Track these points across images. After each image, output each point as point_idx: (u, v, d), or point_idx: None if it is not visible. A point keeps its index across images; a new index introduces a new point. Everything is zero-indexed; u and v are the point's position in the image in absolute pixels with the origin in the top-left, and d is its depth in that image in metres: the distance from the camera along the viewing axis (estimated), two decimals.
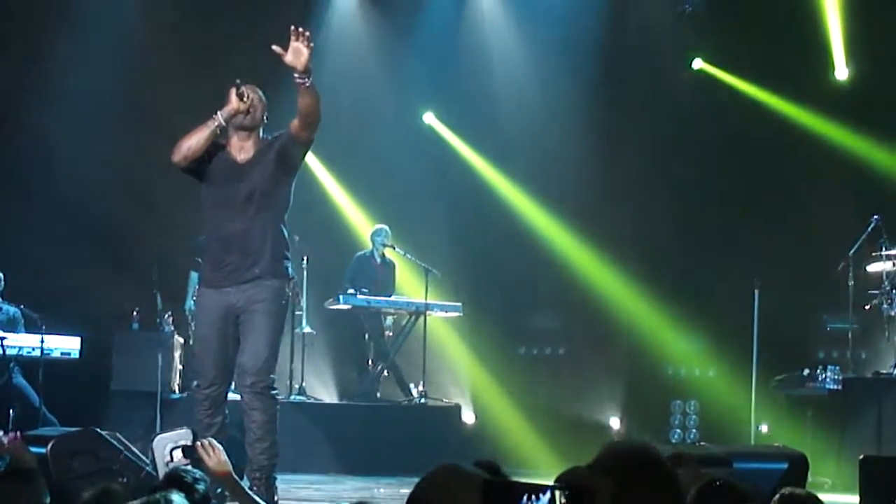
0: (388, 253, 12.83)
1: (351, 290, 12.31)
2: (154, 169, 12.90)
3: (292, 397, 11.52)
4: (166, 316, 11.83)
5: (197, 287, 7.48)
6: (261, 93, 6.99)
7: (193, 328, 8.98)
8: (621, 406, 13.52)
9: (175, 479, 4.26)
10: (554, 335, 14.40)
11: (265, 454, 6.87)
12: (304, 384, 12.16)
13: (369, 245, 12.92)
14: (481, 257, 13.79)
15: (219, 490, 4.95)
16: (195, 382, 7.30)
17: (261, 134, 6.99)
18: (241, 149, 6.95)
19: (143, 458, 6.78)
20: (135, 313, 11.80)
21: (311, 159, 12.66)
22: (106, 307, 12.14)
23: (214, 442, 4.82)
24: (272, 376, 6.98)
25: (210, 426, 6.89)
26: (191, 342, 11.15)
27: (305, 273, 12.01)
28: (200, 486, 4.26)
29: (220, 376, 6.99)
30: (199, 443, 4.88)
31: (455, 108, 14.22)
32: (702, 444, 11.52)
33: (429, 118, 14.49)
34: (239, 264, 6.91)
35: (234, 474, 4.70)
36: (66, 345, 11.10)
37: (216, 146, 6.97)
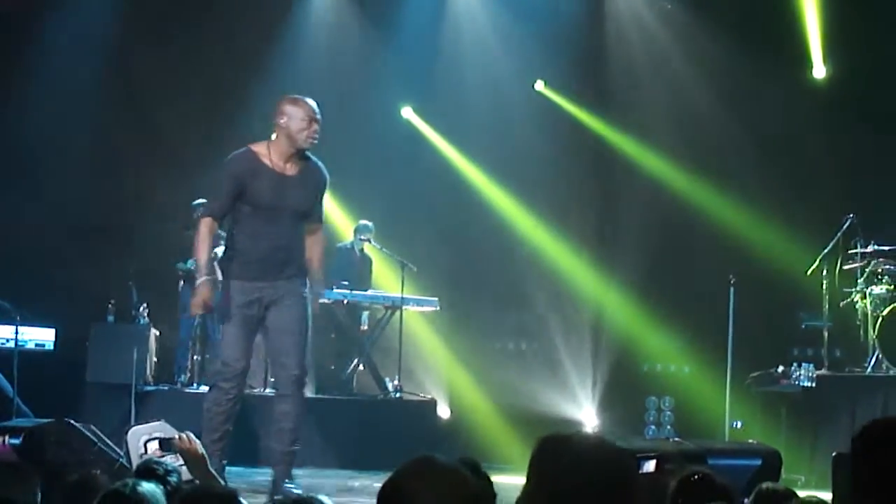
0: (366, 247, 12.84)
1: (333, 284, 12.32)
2: (131, 161, 12.92)
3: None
4: (142, 308, 11.77)
5: (222, 280, 7.58)
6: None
7: (217, 319, 8.87)
8: (596, 401, 13.54)
9: (147, 471, 4.25)
10: (529, 330, 14.41)
11: (296, 444, 7.41)
12: None
13: (348, 238, 12.92)
14: (458, 252, 13.79)
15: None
16: (219, 373, 7.39)
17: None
18: (288, 160, 7.26)
19: (117, 450, 6.77)
20: (110, 305, 11.75)
21: None
22: (81, 299, 12.08)
23: (192, 435, 4.81)
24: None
25: (230, 416, 7.23)
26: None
27: None
28: (173, 478, 4.25)
29: (247, 367, 7.36)
30: (176, 435, 4.88)
31: (433, 102, 14.19)
32: (676, 440, 11.56)
33: (407, 113, 14.47)
34: (277, 269, 7.27)
35: (210, 467, 4.69)
36: (40, 336, 11.06)
37: (256, 162, 7.19)
